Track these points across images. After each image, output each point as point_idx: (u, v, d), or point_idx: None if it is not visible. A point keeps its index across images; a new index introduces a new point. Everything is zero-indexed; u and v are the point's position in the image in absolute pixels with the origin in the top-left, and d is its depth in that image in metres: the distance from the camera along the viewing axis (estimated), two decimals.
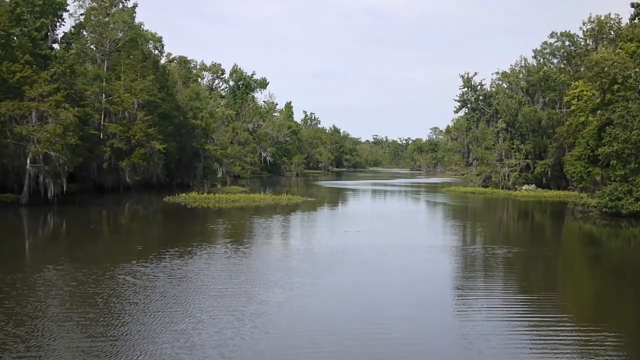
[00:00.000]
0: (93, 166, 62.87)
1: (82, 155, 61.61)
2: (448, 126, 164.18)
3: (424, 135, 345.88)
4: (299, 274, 21.93)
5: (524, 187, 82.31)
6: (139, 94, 64.50)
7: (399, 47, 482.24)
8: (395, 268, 24.07)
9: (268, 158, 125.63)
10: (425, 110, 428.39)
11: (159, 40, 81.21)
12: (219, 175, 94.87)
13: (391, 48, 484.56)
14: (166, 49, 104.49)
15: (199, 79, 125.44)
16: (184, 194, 56.56)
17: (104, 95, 65.00)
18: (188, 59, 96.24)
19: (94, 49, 67.92)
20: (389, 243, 31.03)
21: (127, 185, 65.79)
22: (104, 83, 64.64)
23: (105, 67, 66.42)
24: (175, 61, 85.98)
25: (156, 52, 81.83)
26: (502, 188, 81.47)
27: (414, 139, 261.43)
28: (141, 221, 42.15)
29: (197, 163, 74.86)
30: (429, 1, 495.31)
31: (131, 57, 69.07)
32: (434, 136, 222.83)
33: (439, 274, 23.44)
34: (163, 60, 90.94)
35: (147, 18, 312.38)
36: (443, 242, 32.12)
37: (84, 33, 70.93)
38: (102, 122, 64.36)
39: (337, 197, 73.06)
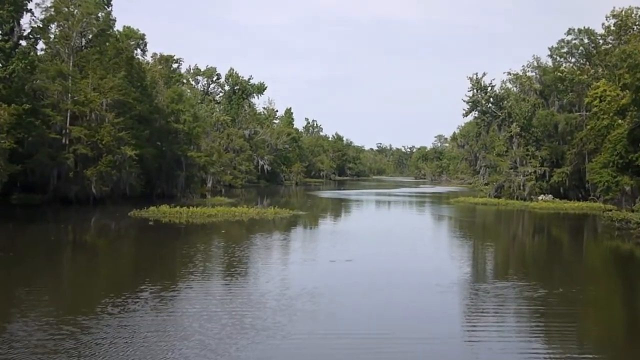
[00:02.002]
0: (54, 175, 54.09)
1: (43, 162, 53.12)
2: (454, 133, 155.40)
3: (428, 143, 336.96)
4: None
5: (539, 198, 72.97)
6: (108, 93, 55.68)
7: (403, 55, 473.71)
8: (383, 347, 14.72)
9: (265, 166, 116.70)
10: (430, 118, 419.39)
11: (142, 37, 72.47)
12: (209, 184, 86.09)
13: (396, 56, 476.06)
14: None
15: (192, 82, 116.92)
16: (153, 207, 47.50)
17: (69, 94, 56.23)
18: (173, 57, 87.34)
19: (59, 42, 59.13)
20: (384, 281, 21.87)
21: (99, 197, 56.96)
22: (69, 81, 55.87)
23: (71, 64, 57.61)
24: (157, 60, 77.07)
25: (138, 50, 73.07)
26: (517, 198, 72.13)
27: (418, 146, 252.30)
28: (71, 246, 32.71)
29: (178, 171, 65.84)
30: (433, 9, 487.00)
31: (102, 52, 60.45)
32: (439, 144, 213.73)
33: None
34: (150, 60, 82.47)
35: (148, 24, 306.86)
36: (454, 277, 23.09)
37: (52, 27, 62.27)
38: (67, 125, 55.59)
39: (333, 210, 63.90)
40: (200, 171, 71.65)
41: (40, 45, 62.47)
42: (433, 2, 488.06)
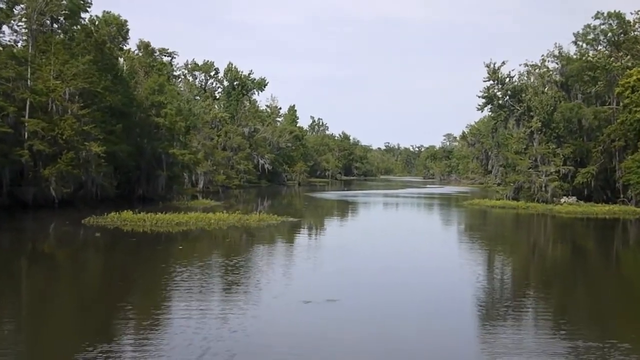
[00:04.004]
0: (5, 175, 45.67)
1: None
2: (464, 132, 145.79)
3: (437, 142, 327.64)
4: None
5: (562, 200, 63.73)
6: (71, 82, 47.21)
7: (410, 54, 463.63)
8: None
9: (266, 166, 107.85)
10: (438, 117, 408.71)
11: (122, 24, 63.92)
12: (200, 185, 77.69)
13: (402, 55, 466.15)
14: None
15: (189, 77, 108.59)
16: (114, 213, 38.86)
17: (28, 82, 47.89)
18: (166, 49, 78.78)
19: (23, 24, 50.86)
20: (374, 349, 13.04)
21: (67, 199, 48.66)
22: (27, 67, 47.50)
23: (30, 47, 49.20)
24: (138, 47, 68.23)
25: (119, 39, 64.53)
26: (538, 201, 62.91)
27: (426, 146, 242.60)
28: None
29: (159, 171, 57.26)
30: (442, 9, 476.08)
31: (72, 38, 52.21)
32: (448, 143, 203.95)
33: None
34: (135, 50, 73.96)
35: (147, 23, 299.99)
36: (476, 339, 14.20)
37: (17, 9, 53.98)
38: (25, 118, 47.14)
39: (331, 216, 54.99)
40: (185, 170, 63.05)
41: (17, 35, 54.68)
42: (439, 1, 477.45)
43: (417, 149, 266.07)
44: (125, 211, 39.22)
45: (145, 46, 68.80)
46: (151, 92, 57.50)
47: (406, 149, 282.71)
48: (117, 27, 63.41)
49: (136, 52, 72.85)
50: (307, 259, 25.86)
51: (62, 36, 53.72)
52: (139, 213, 39.01)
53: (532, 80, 73.81)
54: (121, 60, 64.02)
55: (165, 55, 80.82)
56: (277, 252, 27.89)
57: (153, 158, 57.91)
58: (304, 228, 39.99)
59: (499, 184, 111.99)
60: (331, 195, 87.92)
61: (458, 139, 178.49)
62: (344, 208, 63.13)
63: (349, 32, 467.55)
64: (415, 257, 27.68)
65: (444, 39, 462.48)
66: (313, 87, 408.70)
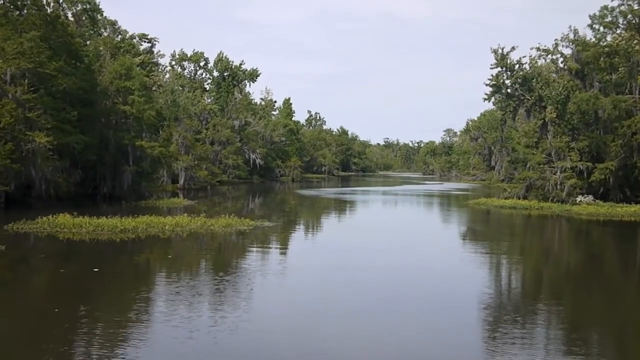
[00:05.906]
0: None
1: None
2: (467, 123, 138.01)
3: (436, 137, 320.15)
4: None
5: (578, 199, 55.91)
6: (13, 61, 39.41)
7: (411, 50, 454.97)
8: None
9: (258, 161, 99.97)
10: (438, 113, 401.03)
11: (90, 2, 56.03)
12: (181, 181, 70.04)
13: (403, 51, 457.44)
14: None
15: (177, 67, 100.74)
16: (49, 217, 31.16)
17: None
18: (146, 35, 70.60)
19: None
20: None
21: (18, 198, 41.21)
22: None
23: None
24: (103, 25, 59.92)
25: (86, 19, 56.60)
26: (553, 200, 55.10)
27: (426, 141, 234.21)
28: None
29: (125, 166, 49.49)
30: (443, 6, 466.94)
31: (22, 12, 44.48)
32: (448, 138, 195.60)
33: None
34: (114, 38, 65.91)
35: (162, 24, 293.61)
36: None
37: None
38: None
39: (316, 218, 46.99)
40: (158, 165, 55.26)
41: None
42: None
43: (416, 145, 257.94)
44: (62, 215, 31.51)
45: (111, 24, 60.74)
46: (117, 77, 49.67)
47: (405, 145, 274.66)
48: (83, 6, 55.56)
49: (103, 32, 64.75)
50: (275, 280, 18.06)
51: (13, 13, 46.00)
52: (78, 217, 31.30)
53: (542, 66, 65.81)
54: (92, 46, 56.30)
55: (145, 42, 72.85)
56: (227, 278, 20.00)
57: (119, 151, 50.18)
58: (278, 237, 32.18)
59: (502, 180, 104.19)
60: (324, 192, 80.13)
61: (459, 133, 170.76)
62: (335, 210, 55.29)
63: (349, 30, 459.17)
64: (413, 293, 19.90)
65: (445, 36, 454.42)
66: (312, 84, 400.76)
